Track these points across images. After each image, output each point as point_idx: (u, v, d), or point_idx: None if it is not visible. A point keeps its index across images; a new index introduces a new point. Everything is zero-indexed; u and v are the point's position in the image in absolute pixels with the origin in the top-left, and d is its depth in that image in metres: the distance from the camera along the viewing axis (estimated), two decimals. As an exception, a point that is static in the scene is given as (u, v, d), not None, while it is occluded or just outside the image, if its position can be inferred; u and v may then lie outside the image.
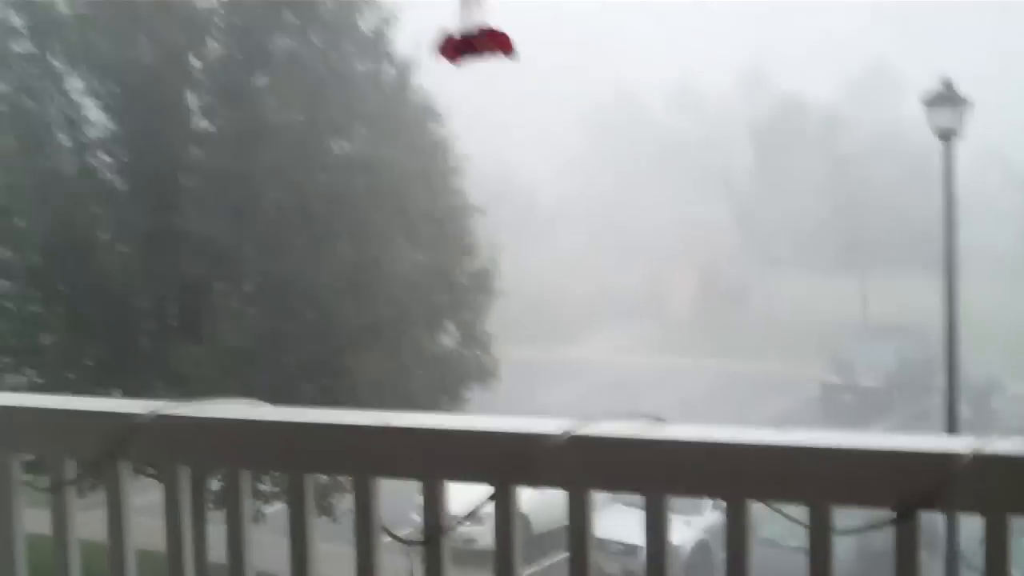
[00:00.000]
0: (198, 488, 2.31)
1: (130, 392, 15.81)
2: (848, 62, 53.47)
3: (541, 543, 16.04)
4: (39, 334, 17.29)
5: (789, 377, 35.07)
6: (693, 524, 18.50)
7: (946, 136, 15.83)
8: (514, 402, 21.89)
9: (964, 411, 17.81)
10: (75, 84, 17.32)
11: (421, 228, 17.97)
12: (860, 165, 44.08)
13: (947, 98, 16.02)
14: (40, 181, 16.71)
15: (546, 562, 17.25)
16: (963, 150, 16.08)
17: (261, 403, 2.36)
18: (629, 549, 16.71)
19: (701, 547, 19.00)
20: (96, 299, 16.75)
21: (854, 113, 47.00)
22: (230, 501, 2.30)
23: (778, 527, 1.90)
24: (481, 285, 18.71)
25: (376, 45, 17.83)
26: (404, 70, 18.11)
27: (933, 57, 38.33)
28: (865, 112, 47.05)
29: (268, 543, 2.53)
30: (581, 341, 42.13)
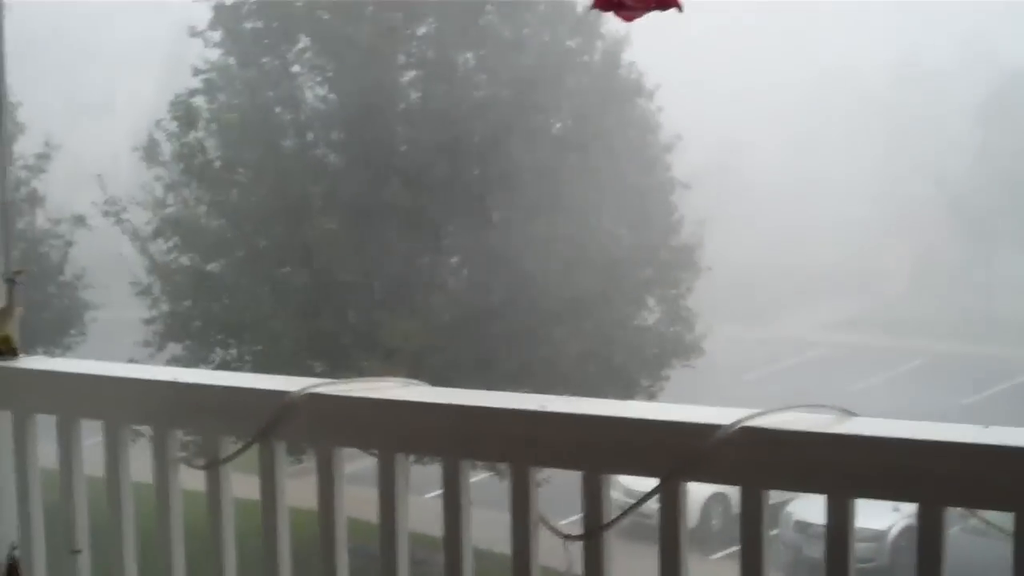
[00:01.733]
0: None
1: (336, 367, 16.16)
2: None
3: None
4: (248, 309, 17.58)
5: (1007, 361, 33.80)
6: (901, 508, 18.08)
7: None
8: (717, 380, 21.67)
9: None
10: (297, 60, 17.84)
11: (627, 203, 17.94)
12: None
13: None
14: (260, 155, 17.23)
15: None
16: None
17: (417, 383, 2.29)
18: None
19: (908, 532, 18.54)
20: (305, 274, 17.15)
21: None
22: (383, 483, 2.25)
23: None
24: (686, 261, 18.55)
25: (586, 21, 17.85)
26: (614, 45, 18.10)
27: None
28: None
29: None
30: (787, 319, 41.46)
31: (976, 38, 54.68)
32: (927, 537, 1.78)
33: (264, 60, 17.67)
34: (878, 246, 48.28)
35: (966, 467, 1.73)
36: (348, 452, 2.79)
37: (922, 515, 1.78)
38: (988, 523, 1.74)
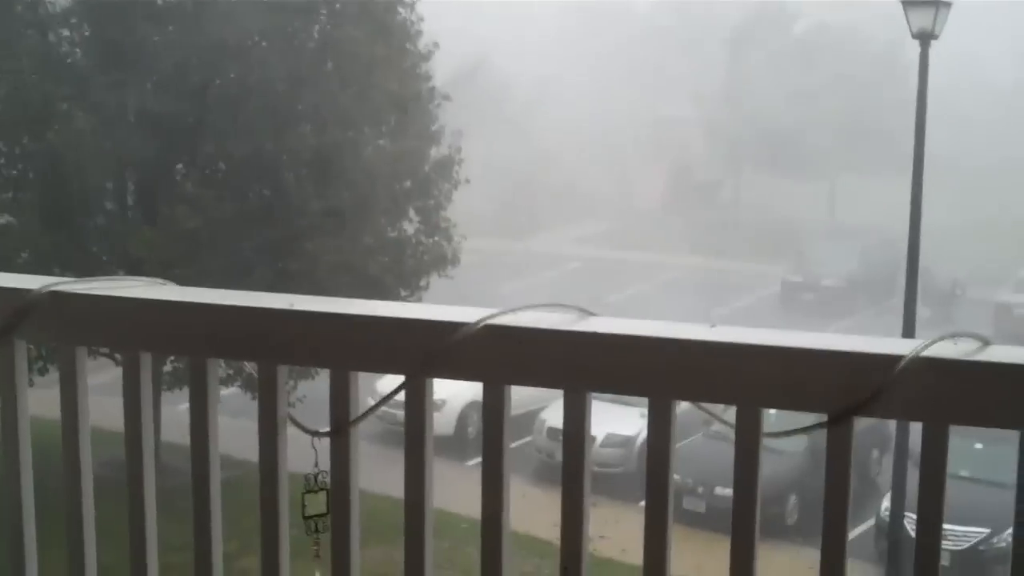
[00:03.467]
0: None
1: (82, 273, 15.57)
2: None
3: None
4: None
5: (751, 275, 35.16)
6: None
7: (924, 38, 15.56)
8: (472, 292, 21.77)
9: (924, 313, 17.78)
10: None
11: (387, 113, 17.76)
12: (833, 65, 43.78)
13: (928, -1, 15.69)
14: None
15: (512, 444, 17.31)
16: (938, 53, 15.85)
17: (166, 282, 2.24)
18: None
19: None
20: (52, 177, 16.47)
21: (829, 14, 46.60)
22: (129, 385, 2.18)
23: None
24: (445, 173, 18.55)
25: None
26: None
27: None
28: (840, 12, 46.63)
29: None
30: (546, 233, 42.08)
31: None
32: (656, 429, 1.86)
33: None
34: (633, 164, 49.37)
35: (692, 363, 1.82)
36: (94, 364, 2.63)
37: (652, 408, 1.86)
38: (716, 417, 1.85)
